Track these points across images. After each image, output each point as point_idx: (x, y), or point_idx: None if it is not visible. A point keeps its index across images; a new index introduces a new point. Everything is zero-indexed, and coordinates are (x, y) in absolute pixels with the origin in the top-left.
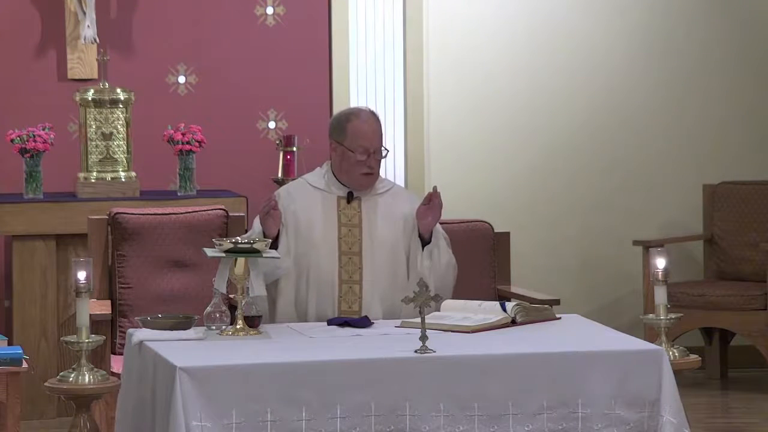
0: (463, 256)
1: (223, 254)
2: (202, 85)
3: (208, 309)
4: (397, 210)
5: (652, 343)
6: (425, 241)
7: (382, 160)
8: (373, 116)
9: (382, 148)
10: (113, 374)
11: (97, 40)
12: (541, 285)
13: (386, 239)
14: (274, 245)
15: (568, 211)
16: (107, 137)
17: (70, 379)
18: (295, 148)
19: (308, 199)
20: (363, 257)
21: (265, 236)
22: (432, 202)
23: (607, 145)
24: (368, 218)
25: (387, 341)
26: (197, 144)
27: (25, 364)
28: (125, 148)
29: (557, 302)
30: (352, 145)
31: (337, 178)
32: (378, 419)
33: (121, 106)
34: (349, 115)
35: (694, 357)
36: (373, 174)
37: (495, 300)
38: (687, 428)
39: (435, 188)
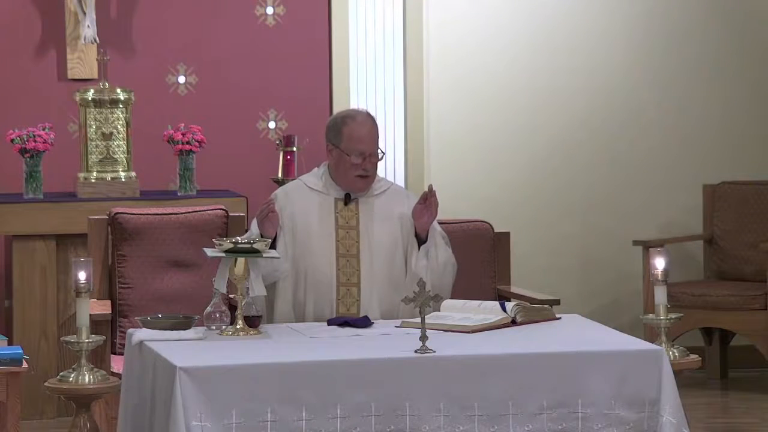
0: (463, 256)
1: (223, 254)
2: (202, 85)
3: (208, 309)
4: (395, 210)
5: (652, 343)
6: (422, 241)
7: (380, 161)
8: (370, 119)
9: (379, 151)
10: (113, 374)
11: (97, 40)
12: (541, 285)
13: (384, 241)
14: (272, 248)
15: (568, 211)
16: (107, 137)
17: (70, 379)
18: (294, 148)
19: (305, 201)
20: (361, 260)
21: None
22: (428, 201)
23: (607, 145)
24: (365, 220)
25: (387, 341)
26: (197, 144)
27: (25, 364)
28: (125, 148)
29: (557, 302)
30: (348, 148)
31: (334, 180)
32: (378, 419)
33: (121, 106)
34: (345, 118)
35: (694, 357)
36: (368, 177)
37: (495, 300)
38: (687, 428)
39: (430, 187)
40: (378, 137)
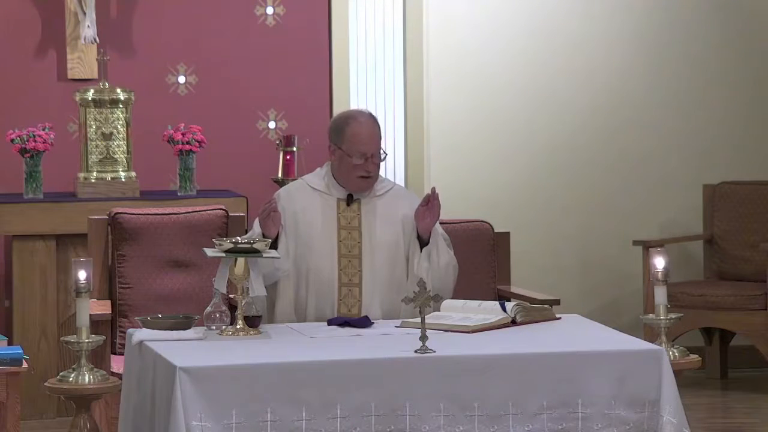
0: (463, 256)
1: (223, 254)
2: (202, 85)
3: (208, 309)
4: (397, 211)
5: (652, 343)
6: (424, 243)
7: (382, 162)
8: (372, 120)
9: (381, 152)
10: (113, 374)
11: (97, 40)
12: (541, 285)
13: (385, 242)
14: (274, 247)
15: (568, 211)
16: (107, 137)
17: (70, 379)
18: (295, 148)
19: (308, 201)
20: (362, 260)
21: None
22: (430, 203)
23: (607, 145)
24: (368, 221)
25: (387, 341)
26: (197, 144)
27: (25, 364)
28: (125, 148)
29: (557, 302)
30: (350, 149)
31: (336, 180)
32: (378, 419)
33: (121, 106)
34: (347, 119)
35: (694, 357)
36: (370, 177)
37: (495, 300)
38: (687, 428)
39: (433, 189)
40: (380, 138)
